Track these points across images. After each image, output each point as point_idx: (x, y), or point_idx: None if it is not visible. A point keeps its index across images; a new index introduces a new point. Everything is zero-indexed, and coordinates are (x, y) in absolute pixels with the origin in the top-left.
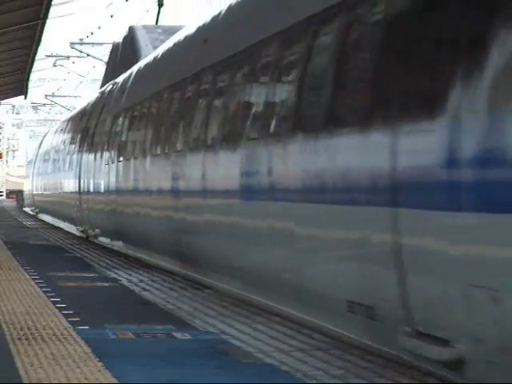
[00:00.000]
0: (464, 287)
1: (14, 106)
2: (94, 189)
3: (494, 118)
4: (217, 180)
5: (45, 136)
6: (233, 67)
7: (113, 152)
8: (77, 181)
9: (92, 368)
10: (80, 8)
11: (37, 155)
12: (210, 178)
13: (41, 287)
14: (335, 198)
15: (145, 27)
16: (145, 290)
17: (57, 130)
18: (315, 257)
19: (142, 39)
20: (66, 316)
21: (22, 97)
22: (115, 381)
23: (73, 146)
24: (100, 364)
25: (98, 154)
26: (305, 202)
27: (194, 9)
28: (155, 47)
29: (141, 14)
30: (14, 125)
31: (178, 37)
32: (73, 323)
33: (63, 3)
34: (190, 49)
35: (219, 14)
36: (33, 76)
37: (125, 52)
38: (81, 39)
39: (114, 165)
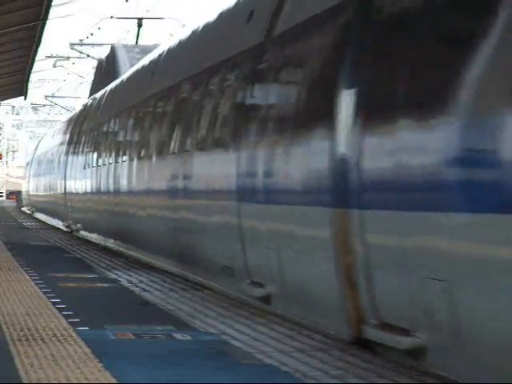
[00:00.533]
0: (269, 250)
1: (13, 107)
2: (75, 189)
3: None
4: (136, 184)
5: (40, 140)
6: (166, 97)
7: (88, 158)
8: (63, 182)
9: (92, 369)
10: (80, 9)
11: (32, 158)
12: (134, 182)
13: (41, 288)
14: (211, 196)
15: (125, 46)
16: (145, 290)
17: (50, 136)
18: (202, 235)
19: (122, 58)
20: (66, 317)
21: (22, 97)
22: (115, 381)
23: (61, 151)
24: (100, 365)
25: (79, 160)
26: (193, 198)
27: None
28: (132, 65)
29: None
30: (13, 125)
31: (138, 66)
32: (73, 324)
33: (63, 4)
34: (142, 78)
35: (162, 53)
36: (33, 77)
37: (107, 69)
38: (81, 40)
39: (89, 169)
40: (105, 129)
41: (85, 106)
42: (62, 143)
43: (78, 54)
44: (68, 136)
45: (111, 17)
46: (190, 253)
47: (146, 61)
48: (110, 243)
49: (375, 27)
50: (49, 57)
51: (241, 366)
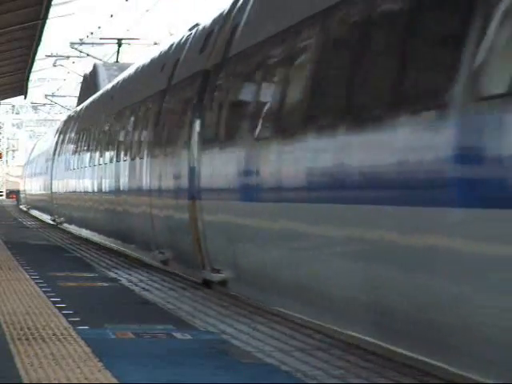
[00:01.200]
0: (164, 227)
1: (13, 106)
2: (59, 189)
3: None
4: (90, 185)
5: (34, 145)
6: (114, 119)
7: (67, 162)
8: (50, 183)
9: (92, 368)
10: (80, 8)
11: (28, 160)
12: (89, 184)
13: (41, 287)
14: (133, 194)
15: (105, 65)
16: (145, 289)
17: (42, 141)
18: (130, 220)
19: (101, 75)
20: (66, 316)
21: (22, 97)
22: (115, 381)
23: (48, 156)
24: (100, 364)
25: (61, 163)
26: (124, 195)
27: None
28: (110, 81)
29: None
30: (13, 125)
31: (105, 88)
32: (73, 323)
33: (63, 3)
34: (105, 100)
35: (118, 82)
36: (33, 76)
37: (89, 84)
38: (81, 39)
39: (68, 172)
40: (78, 140)
41: (68, 117)
42: (49, 148)
43: (78, 53)
44: (54, 142)
45: (91, 33)
46: (122, 232)
47: (108, 86)
48: (84, 232)
49: (208, 90)
50: (49, 56)
51: (241, 365)
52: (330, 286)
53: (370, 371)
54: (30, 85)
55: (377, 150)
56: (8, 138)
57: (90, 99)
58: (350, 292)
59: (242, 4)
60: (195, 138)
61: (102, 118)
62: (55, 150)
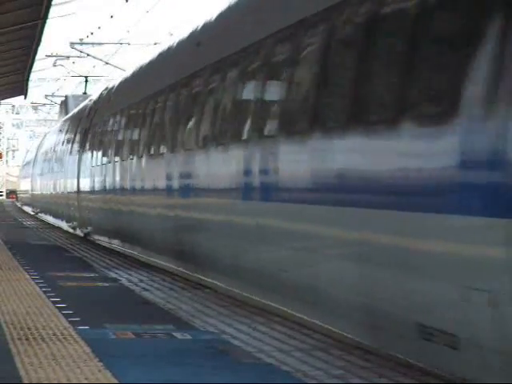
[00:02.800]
0: (88, 213)
1: (13, 106)
2: (37, 189)
3: None
4: (51, 187)
5: (27, 152)
6: (69, 141)
7: (42, 169)
8: (31, 184)
9: (92, 368)
10: (80, 8)
11: (23, 163)
12: (51, 186)
13: (41, 287)
14: (64, 191)
15: (74, 96)
16: (145, 289)
17: (34, 147)
18: (67, 209)
19: (71, 104)
20: (66, 316)
21: (22, 97)
22: (115, 381)
23: (31, 162)
24: (100, 364)
25: (37, 170)
26: (60, 192)
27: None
28: None
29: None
30: (13, 125)
31: (72, 113)
32: (73, 323)
33: (63, 3)
34: (74, 122)
35: (75, 110)
36: (33, 76)
37: (62, 110)
38: (81, 39)
39: (40, 176)
40: (50, 152)
41: (47, 133)
42: (36, 155)
43: (78, 53)
44: (40, 151)
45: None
46: (64, 214)
47: (72, 113)
48: (50, 219)
49: (87, 139)
50: (49, 56)
51: (241, 365)
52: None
53: (369, 371)
54: (30, 85)
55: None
56: (8, 138)
57: (59, 123)
58: None
59: (105, 90)
60: (79, 159)
61: (63, 139)
62: (35, 158)
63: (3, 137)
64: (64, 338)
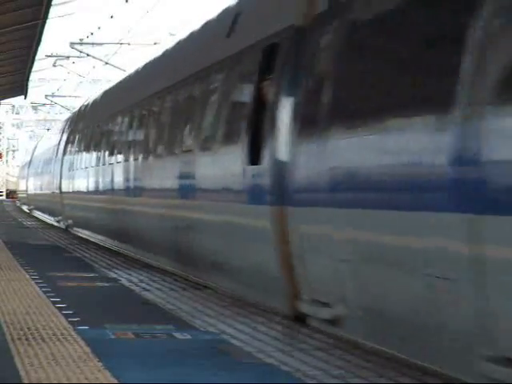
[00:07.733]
0: (72, 208)
1: (13, 106)
2: (31, 189)
3: None
4: (39, 187)
5: (27, 151)
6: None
7: (35, 171)
8: (27, 184)
9: (92, 368)
10: (80, 8)
11: (22, 164)
12: (38, 186)
13: (41, 287)
14: (47, 190)
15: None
16: (145, 289)
17: (30, 150)
18: (53, 205)
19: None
20: (66, 316)
21: (22, 97)
22: (115, 381)
23: (26, 165)
24: (100, 364)
25: (32, 172)
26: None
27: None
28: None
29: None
30: (13, 125)
31: (59, 123)
32: (73, 323)
33: (63, 3)
34: (59, 132)
35: (63, 120)
36: (33, 76)
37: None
38: (81, 39)
39: (37, 177)
40: (40, 155)
41: (40, 138)
42: (31, 158)
43: (78, 54)
44: (34, 155)
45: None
46: (51, 210)
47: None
48: (39, 213)
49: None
50: (49, 56)
51: (241, 365)
52: None
53: (369, 371)
54: (30, 85)
55: None
56: (8, 138)
57: (49, 133)
58: None
59: (83, 105)
60: (61, 164)
61: (50, 146)
62: (30, 161)
63: (3, 137)
64: (64, 337)
